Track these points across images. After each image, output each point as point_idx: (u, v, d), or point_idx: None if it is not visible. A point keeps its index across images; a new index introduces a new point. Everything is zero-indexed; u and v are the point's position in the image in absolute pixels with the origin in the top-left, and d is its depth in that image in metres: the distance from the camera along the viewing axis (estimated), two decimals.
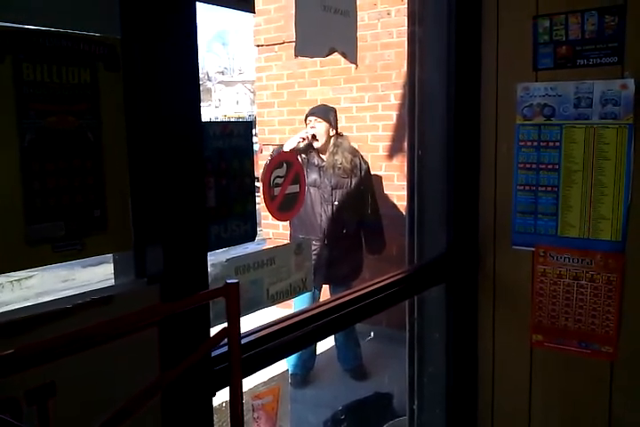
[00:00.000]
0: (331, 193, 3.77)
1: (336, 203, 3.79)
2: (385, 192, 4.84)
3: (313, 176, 3.74)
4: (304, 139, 3.63)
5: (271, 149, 5.23)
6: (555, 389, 1.93)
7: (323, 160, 3.78)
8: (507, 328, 1.99)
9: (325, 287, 4.01)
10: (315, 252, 3.67)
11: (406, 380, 2.12)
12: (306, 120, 3.83)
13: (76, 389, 0.88)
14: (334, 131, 3.80)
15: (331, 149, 3.77)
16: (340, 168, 3.77)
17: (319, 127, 3.74)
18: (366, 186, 4.01)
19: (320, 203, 3.76)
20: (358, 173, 3.89)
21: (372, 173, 4.72)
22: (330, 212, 3.78)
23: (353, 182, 3.86)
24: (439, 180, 1.98)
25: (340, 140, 3.82)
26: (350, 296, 1.59)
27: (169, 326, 1.01)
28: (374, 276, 1.81)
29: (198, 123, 1.08)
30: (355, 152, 3.93)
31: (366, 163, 4.04)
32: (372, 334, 4.81)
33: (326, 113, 3.81)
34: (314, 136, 3.71)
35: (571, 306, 1.86)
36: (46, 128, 0.88)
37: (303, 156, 3.69)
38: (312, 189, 3.74)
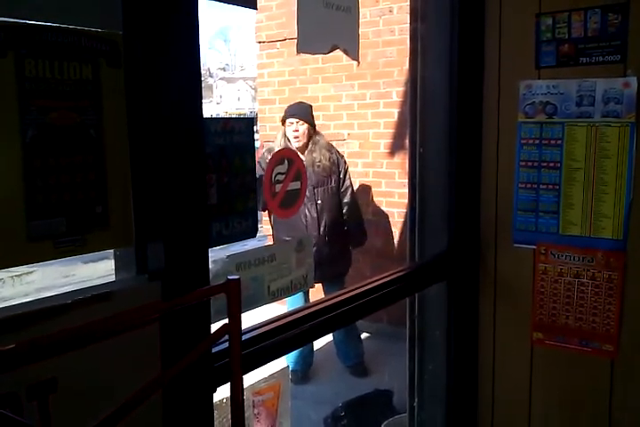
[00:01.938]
0: (313, 192, 3.75)
1: (319, 201, 3.78)
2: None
3: None
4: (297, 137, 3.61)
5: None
6: (555, 387, 1.93)
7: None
8: (507, 326, 1.99)
9: (317, 286, 4.01)
10: None
11: (407, 377, 2.12)
12: (285, 121, 3.72)
13: (76, 385, 0.89)
14: (313, 129, 3.76)
15: (309, 147, 3.72)
16: (319, 166, 3.74)
17: (302, 129, 3.67)
18: (344, 181, 3.99)
19: (304, 203, 3.73)
20: (336, 169, 3.88)
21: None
22: (314, 211, 3.77)
23: (332, 179, 3.86)
24: (440, 177, 1.98)
25: (317, 137, 3.77)
26: (352, 293, 1.59)
27: (170, 323, 1.01)
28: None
29: (200, 119, 1.08)
30: (330, 148, 3.89)
31: (343, 157, 4.01)
32: (370, 333, 4.82)
33: (307, 113, 3.75)
34: (296, 138, 3.65)
35: (571, 304, 1.86)
36: (48, 124, 0.88)
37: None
38: None
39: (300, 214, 3.73)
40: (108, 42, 0.95)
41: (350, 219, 4.02)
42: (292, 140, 3.65)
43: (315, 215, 3.77)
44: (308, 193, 3.71)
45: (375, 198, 4.92)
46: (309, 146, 3.73)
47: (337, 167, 3.89)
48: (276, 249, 1.41)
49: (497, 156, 1.94)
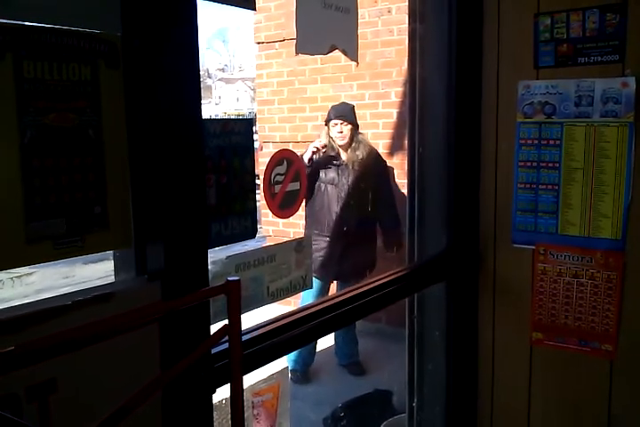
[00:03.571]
0: (348, 191, 3.82)
1: (352, 201, 3.83)
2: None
3: (331, 175, 3.84)
4: (318, 149, 3.69)
5: (271, 146, 5.25)
6: (554, 387, 1.93)
7: (341, 158, 3.86)
8: (507, 326, 1.99)
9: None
10: (330, 248, 3.76)
11: (406, 377, 2.13)
12: (329, 122, 3.86)
13: (76, 385, 0.89)
14: (356, 129, 3.91)
15: (352, 146, 3.87)
16: (360, 162, 3.85)
17: (346, 130, 3.83)
18: (384, 182, 4.09)
19: (337, 201, 3.82)
20: (375, 169, 3.97)
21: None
22: (347, 209, 3.82)
23: (370, 179, 3.93)
24: (440, 177, 1.98)
25: (360, 136, 3.94)
26: (351, 293, 1.59)
27: (170, 324, 1.01)
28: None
29: (199, 120, 1.08)
30: (372, 148, 4.04)
31: (384, 160, 4.14)
32: (369, 333, 4.82)
33: (350, 114, 3.90)
34: (343, 136, 3.82)
35: (571, 304, 1.86)
36: (47, 125, 0.88)
37: (321, 154, 3.77)
38: (330, 187, 3.83)
39: (332, 212, 3.82)
40: (107, 43, 0.95)
41: (385, 221, 4.06)
42: (337, 139, 3.82)
43: (347, 213, 3.84)
44: (342, 192, 3.81)
45: None
46: (352, 144, 3.88)
47: (378, 168, 4.00)
48: (276, 250, 1.42)
49: (496, 156, 1.94)
